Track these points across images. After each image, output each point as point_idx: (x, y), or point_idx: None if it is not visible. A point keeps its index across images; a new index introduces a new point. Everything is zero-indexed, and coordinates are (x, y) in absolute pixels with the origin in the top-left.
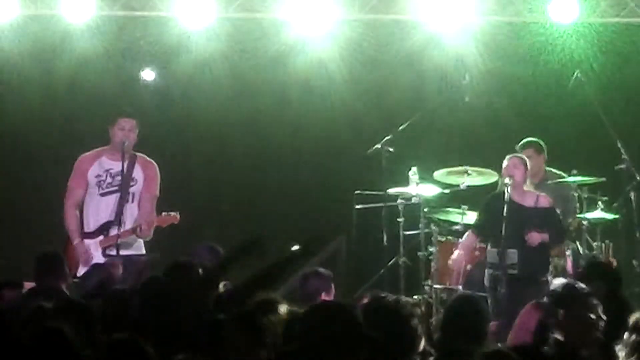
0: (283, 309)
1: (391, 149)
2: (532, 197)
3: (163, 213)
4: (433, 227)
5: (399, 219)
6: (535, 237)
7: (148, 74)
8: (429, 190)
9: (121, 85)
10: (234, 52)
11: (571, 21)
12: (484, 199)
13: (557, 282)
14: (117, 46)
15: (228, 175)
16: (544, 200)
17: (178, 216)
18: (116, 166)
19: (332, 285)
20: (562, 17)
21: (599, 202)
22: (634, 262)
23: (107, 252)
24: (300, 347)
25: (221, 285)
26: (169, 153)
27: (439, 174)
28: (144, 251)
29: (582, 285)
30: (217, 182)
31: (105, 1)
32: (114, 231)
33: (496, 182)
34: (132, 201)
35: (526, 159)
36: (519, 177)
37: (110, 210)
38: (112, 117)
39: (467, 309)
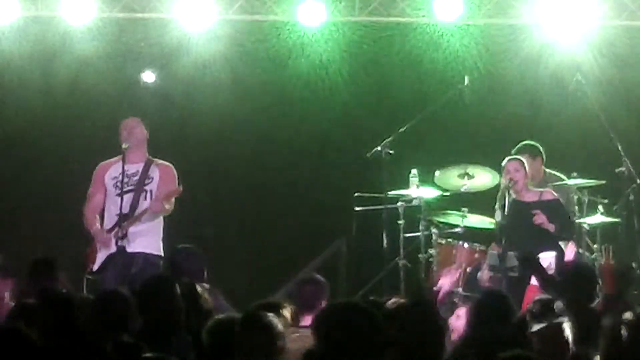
0: (287, 312)
1: (391, 151)
2: (535, 193)
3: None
4: (433, 229)
5: (399, 221)
6: (540, 217)
7: (148, 76)
8: (429, 193)
9: (122, 87)
10: (234, 54)
11: (572, 24)
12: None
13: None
14: (118, 48)
15: (228, 177)
16: (548, 194)
17: (180, 188)
18: (132, 167)
19: (328, 292)
20: (562, 20)
21: (599, 205)
22: (634, 264)
23: (120, 243)
24: (319, 348)
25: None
26: (169, 155)
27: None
28: (161, 252)
29: (558, 304)
30: (217, 184)
31: (105, 3)
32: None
33: (498, 185)
34: (148, 198)
35: (524, 159)
36: (520, 181)
37: (126, 207)
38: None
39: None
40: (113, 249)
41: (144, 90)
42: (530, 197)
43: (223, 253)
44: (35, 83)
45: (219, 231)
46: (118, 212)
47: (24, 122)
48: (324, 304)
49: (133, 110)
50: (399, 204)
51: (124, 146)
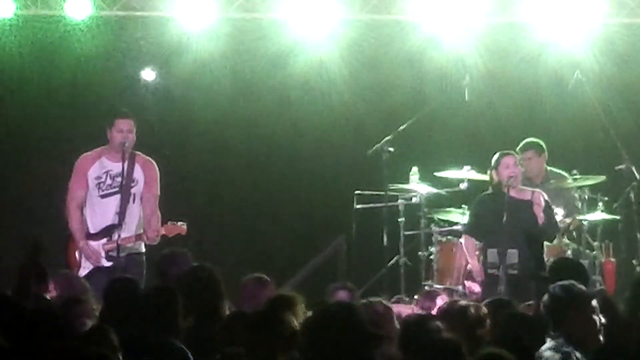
0: (302, 306)
1: (391, 149)
2: (528, 192)
3: (169, 222)
4: (433, 227)
5: (399, 219)
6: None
7: (148, 74)
8: (430, 190)
9: (121, 86)
10: (234, 52)
11: (572, 22)
12: (476, 198)
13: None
14: (117, 46)
15: (228, 175)
16: (539, 196)
17: (185, 227)
18: (116, 167)
19: (359, 297)
20: (562, 18)
21: (600, 203)
22: (634, 262)
23: (110, 254)
24: (307, 350)
25: None
26: (169, 152)
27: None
28: (143, 249)
29: (583, 287)
30: (217, 182)
31: (105, 1)
32: (116, 234)
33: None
34: (134, 202)
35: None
36: (519, 177)
37: (112, 212)
38: (109, 118)
39: None
40: (103, 262)
41: (144, 89)
42: (524, 195)
43: (223, 251)
44: (34, 81)
45: (219, 230)
46: (102, 216)
47: (23, 120)
48: None
49: (133, 108)
50: (399, 201)
51: (126, 144)
